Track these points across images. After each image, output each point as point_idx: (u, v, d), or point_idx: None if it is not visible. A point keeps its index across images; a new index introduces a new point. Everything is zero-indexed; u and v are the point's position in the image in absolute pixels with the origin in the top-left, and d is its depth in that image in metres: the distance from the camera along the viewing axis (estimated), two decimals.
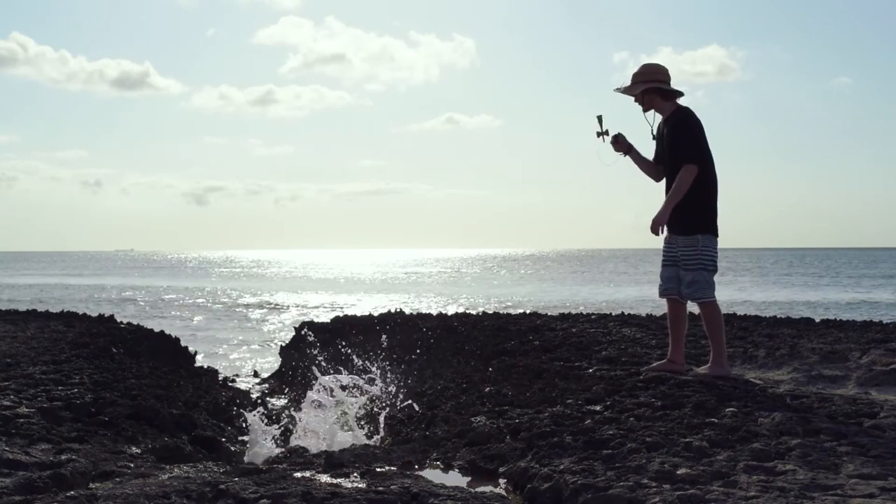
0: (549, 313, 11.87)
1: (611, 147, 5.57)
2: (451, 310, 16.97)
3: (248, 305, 30.04)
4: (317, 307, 28.91)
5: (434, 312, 12.93)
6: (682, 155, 5.23)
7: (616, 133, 5.57)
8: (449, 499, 3.16)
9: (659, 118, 5.51)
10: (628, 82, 5.51)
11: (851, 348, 6.35)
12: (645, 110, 5.50)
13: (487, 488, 3.60)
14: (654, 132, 5.55)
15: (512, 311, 13.16)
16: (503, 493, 3.55)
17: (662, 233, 5.35)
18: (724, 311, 10.65)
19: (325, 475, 3.57)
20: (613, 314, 11.04)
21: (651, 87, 5.36)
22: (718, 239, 5.40)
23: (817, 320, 9.75)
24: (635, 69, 5.53)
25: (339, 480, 3.48)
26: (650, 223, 5.29)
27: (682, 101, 5.46)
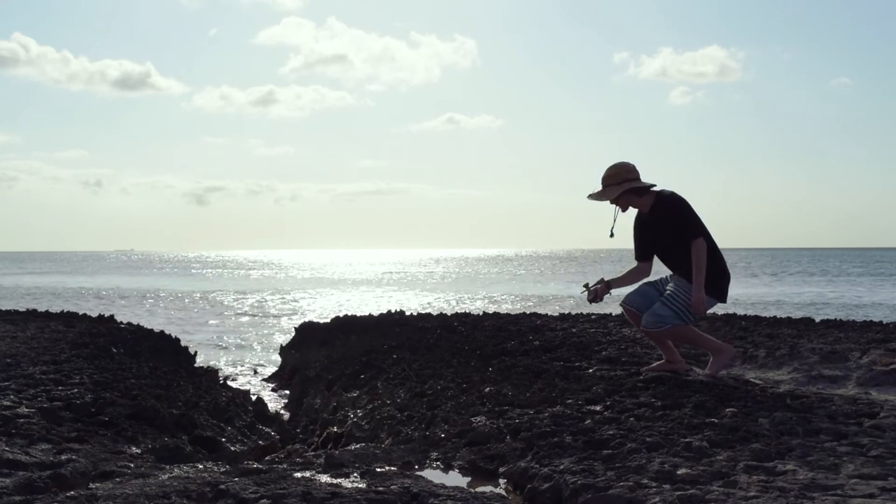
0: (549, 313, 11.87)
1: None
2: (450, 310, 16.96)
3: (248, 305, 30.04)
4: (317, 307, 28.92)
5: (434, 312, 12.93)
6: (689, 235, 5.29)
7: (596, 287, 5.66)
8: (449, 499, 3.16)
9: (623, 215, 5.58)
10: (599, 187, 5.49)
11: (851, 348, 6.36)
12: (623, 210, 5.53)
13: (487, 488, 3.59)
14: (613, 230, 5.58)
15: (512, 311, 13.17)
16: (503, 493, 3.55)
17: (705, 308, 5.35)
18: (724, 310, 10.65)
19: (325, 475, 3.57)
20: (613, 314, 11.04)
21: (626, 188, 5.38)
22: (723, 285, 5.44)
23: (817, 320, 9.75)
24: (603, 172, 5.48)
25: (339, 480, 3.48)
26: (694, 309, 5.27)
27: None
